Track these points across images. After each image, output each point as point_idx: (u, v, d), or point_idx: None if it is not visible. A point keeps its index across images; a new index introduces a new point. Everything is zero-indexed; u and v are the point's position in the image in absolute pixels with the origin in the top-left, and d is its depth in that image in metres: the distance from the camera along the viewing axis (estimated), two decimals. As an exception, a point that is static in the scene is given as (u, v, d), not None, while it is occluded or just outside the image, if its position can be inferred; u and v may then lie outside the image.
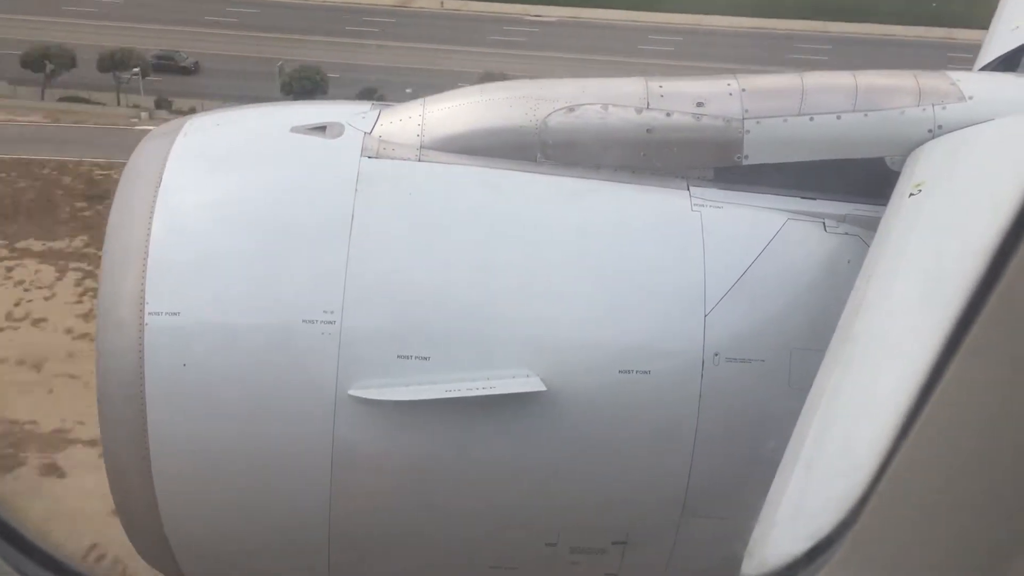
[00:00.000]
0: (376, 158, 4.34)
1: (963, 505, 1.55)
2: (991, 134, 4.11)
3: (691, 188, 4.35)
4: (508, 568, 4.49)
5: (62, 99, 52.39)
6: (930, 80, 4.43)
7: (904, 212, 3.88)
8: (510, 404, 4.00)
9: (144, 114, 49.97)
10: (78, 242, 36.94)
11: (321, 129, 4.45)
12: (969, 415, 1.54)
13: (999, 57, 5.81)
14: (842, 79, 4.50)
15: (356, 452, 4.06)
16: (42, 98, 52.63)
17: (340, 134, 4.42)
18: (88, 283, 33.18)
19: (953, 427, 1.57)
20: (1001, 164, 3.84)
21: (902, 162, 4.24)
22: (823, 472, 2.90)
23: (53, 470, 25.75)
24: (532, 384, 3.98)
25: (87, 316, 30.87)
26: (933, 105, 4.28)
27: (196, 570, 4.50)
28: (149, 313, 4.00)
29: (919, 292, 3.32)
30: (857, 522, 1.74)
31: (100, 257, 4.31)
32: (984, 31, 6.63)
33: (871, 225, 4.04)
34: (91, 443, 23.82)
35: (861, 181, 4.31)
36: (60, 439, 26.52)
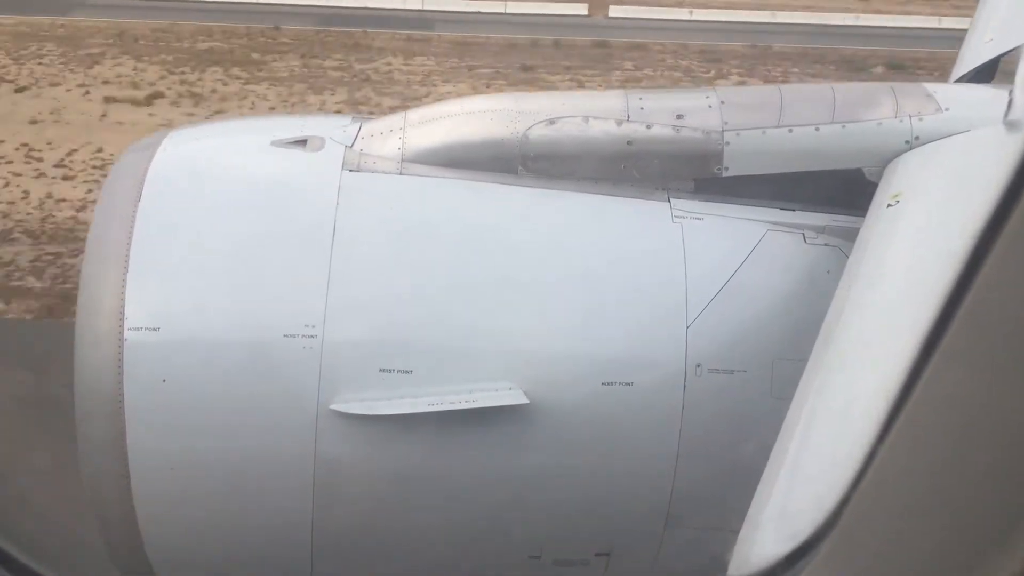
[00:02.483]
0: (357, 171, 4.33)
1: (940, 506, 1.56)
2: (967, 145, 4.16)
3: (672, 200, 4.37)
4: None
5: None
6: (907, 92, 4.48)
7: (882, 223, 3.91)
8: (493, 417, 3.99)
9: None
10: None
11: (302, 143, 4.45)
12: (944, 418, 1.56)
13: (974, 69, 5.88)
14: (820, 91, 4.55)
15: (338, 466, 4.04)
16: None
17: (321, 147, 4.42)
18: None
19: (928, 430, 1.59)
20: (976, 175, 3.89)
21: (880, 173, 4.28)
22: (806, 475, 2.92)
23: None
24: (515, 397, 3.98)
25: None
26: (910, 117, 4.33)
27: None
28: (129, 328, 3.97)
29: (896, 301, 3.35)
30: (838, 524, 1.76)
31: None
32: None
33: (850, 236, 4.07)
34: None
35: (840, 192, 4.35)
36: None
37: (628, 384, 4.04)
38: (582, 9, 37.12)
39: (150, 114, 25.79)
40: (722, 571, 2.78)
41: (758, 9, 37.32)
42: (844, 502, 1.75)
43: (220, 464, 4.08)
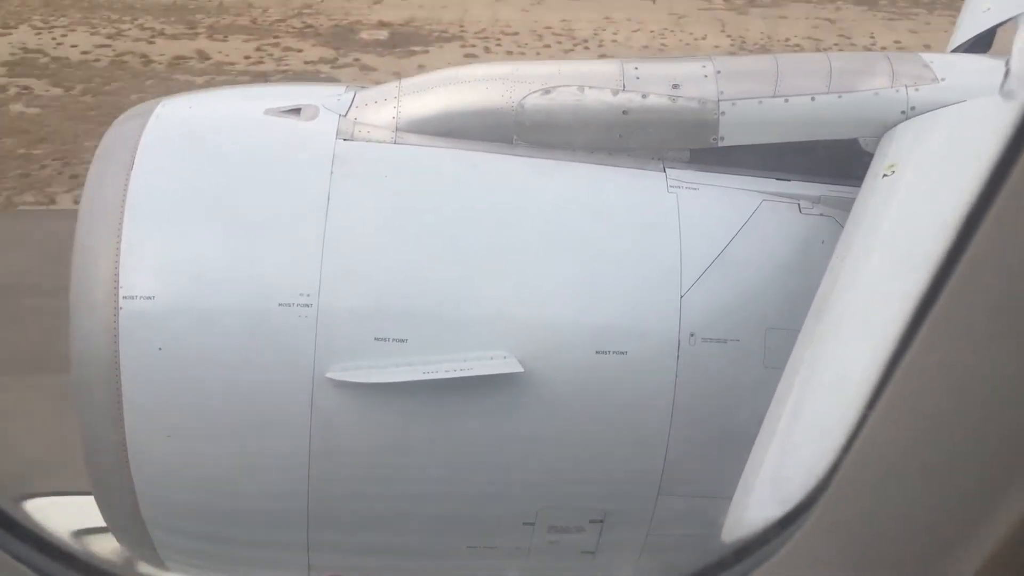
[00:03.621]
0: (351, 140, 4.32)
1: (929, 471, 1.59)
2: (963, 115, 4.16)
3: (667, 169, 4.37)
4: (486, 547, 4.52)
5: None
6: (903, 62, 4.47)
7: (877, 193, 3.92)
8: (488, 385, 4.01)
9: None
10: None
11: (296, 111, 4.43)
12: (934, 385, 1.58)
13: (971, 39, 5.86)
14: (816, 61, 4.54)
15: (334, 434, 4.07)
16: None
17: (315, 116, 4.41)
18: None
19: (918, 397, 1.61)
20: (971, 145, 3.89)
21: (875, 143, 4.28)
22: (797, 441, 2.95)
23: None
24: (510, 365, 4.00)
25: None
26: (906, 87, 4.32)
27: (174, 553, 4.50)
28: (123, 297, 3.98)
29: (889, 271, 3.37)
30: (828, 488, 1.79)
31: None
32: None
33: (845, 206, 4.08)
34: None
35: (835, 162, 4.35)
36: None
37: (622, 353, 4.06)
38: None
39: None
40: (715, 536, 2.82)
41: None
42: (834, 467, 1.78)
43: (215, 431, 4.11)
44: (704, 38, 22.59)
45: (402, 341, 4.00)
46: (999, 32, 5.70)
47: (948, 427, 1.55)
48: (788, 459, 2.90)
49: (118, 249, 4.01)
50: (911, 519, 1.62)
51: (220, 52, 21.74)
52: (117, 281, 3.98)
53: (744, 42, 22.36)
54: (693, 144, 4.39)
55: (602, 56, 20.94)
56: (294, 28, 23.26)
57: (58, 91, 19.64)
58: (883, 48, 21.07)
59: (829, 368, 3.21)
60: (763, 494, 2.84)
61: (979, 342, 1.51)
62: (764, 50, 21.70)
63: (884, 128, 4.28)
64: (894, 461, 1.64)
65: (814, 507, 1.83)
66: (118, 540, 4.46)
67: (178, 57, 21.37)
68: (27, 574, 2.27)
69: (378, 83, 4.82)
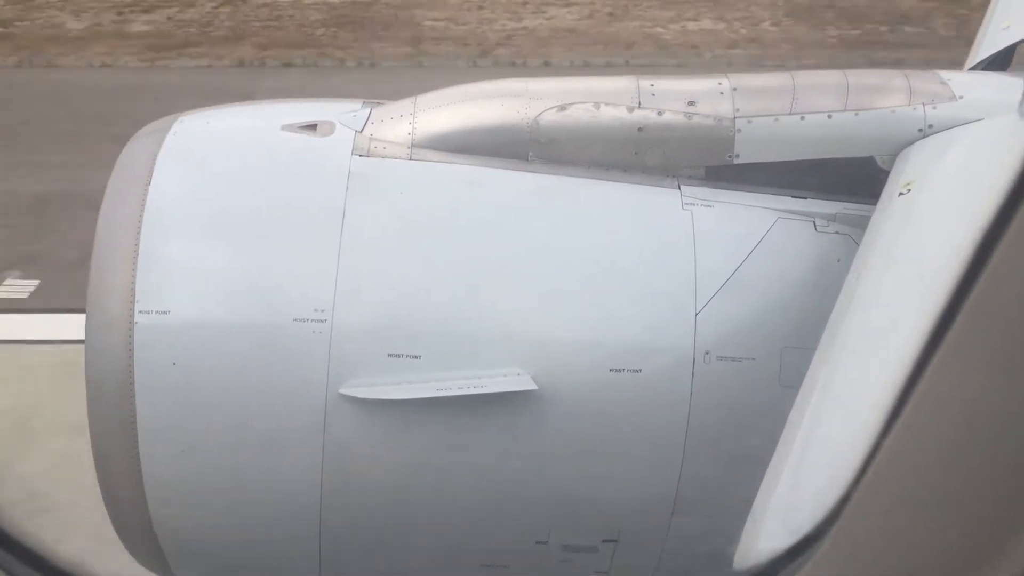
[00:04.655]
0: (367, 156, 4.33)
1: (943, 502, 1.56)
2: (980, 134, 4.13)
3: (682, 187, 4.36)
4: (499, 566, 4.49)
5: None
6: (921, 79, 4.45)
7: (893, 211, 3.89)
8: (501, 403, 4.00)
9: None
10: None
11: (312, 127, 4.45)
12: (948, 412, 1.55)
13: (989, 56, 5.83)
14: (833, 78, 4.52)
15: (347, 451, 4.06)
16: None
17: (331, 132, 4.42)
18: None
19: (933, 425, 1.58)
20: (988, 164, 3.86)
21: (892, 161, 4.25)
22: (808, 469, 2.92)
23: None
24: (523, 383, 3.98)
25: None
26: (924, 104, 4.30)
27: (185, 568, 4.50)
28: (139, 311, 3.99)
29: (905, 291, 3.34)
30: (839, 518, 1.76)
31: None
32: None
33: (861, 224, 4.05)
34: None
35: (851, 180, 4.33)
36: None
37: (636, 371, 4.04)
38: None
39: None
40: (727, 564, 2.79)
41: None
42: (845, 497, 1.75)
43: (228, 446, 4.11)
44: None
45: (415, 358, 3.99)
46: (1018, 50, 5.67)
47: (965, 456, 1.52)
48: (799, 487, 2.86)
49: (135, 264, 4.03)
50: (926, 548, 1.60)
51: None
52: (133, 295, 4.00)
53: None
54: (708, 161, 4.37)
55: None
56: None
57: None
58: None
59: (842, 392, 3.18)
60: (773, 523, 2.81)
61: (997, 365, 1.48)
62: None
63: (901, 146, 4.26)
64: (908, 491, 1.62)
65: (826, 536, 1.80)
66: (130, 553, 4.47)
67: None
68: None
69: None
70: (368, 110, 4.59)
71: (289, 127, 4.44)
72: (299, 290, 4.02)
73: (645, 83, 4.49)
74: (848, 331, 3.43)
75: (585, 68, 19.64)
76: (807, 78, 4.54)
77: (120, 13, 22.72)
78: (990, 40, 5.97)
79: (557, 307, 4.11)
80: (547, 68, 19.94)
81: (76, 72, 19.77)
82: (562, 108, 4.40)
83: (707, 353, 4.05)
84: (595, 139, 4.38)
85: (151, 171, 4.22)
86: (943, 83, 4.39)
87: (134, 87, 18.18)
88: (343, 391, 3.96)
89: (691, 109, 4.37)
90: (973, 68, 5.95)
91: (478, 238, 4.20)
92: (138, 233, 4.07)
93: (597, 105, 4.40)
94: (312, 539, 4.21)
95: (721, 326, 4.08)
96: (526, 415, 4.03)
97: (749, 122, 4.33)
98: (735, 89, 4.42)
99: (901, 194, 3.93)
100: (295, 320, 3.98)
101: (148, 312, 4.00)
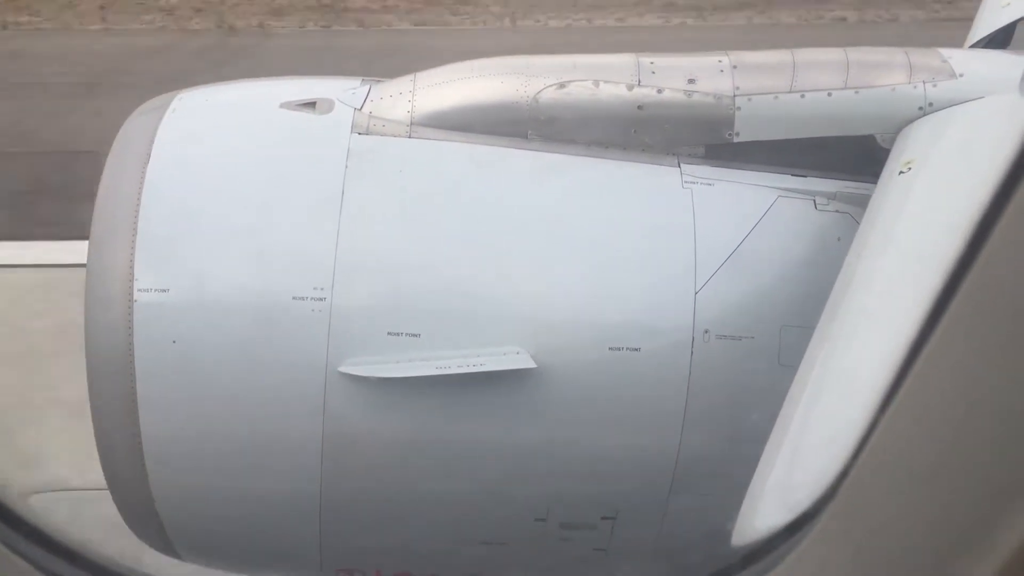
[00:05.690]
0: (366, 134, 4.32)
1: (940, 479, 1.57)
2: (981, 112, 4.12)
3: (682, 165, 4.35)
4: (499, 544, 4.52)
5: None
6: (921, 57, 4.43)
7: (893, 190, 3.89)
8: (500, 381, 4.01)
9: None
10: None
11: (311, 105, 4.43)
12: (946, 390, 1.55)
13: (990, 34, 5.81)
14: (833, 55, 4.50)
15: (346, 429, 4.08)
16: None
17: (330, 110, 4.41)
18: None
19: (931, 402, 1.59)
20: (988, 142, 3.85)
21: (892, 139, 4.24)
22: (807, 446, 2.93)
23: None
24: (523, 361, 3.99)
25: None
26: (924, 83, 4.28)
27: (187, 545, 4.53)
28: (138, 290, 3.99)
29: (904, 270, 3.34)
30: (835, 496, 1.77)
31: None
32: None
33: (861, 203, 4.05)
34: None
35: (851, 158, 4.32)
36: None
37: (635, 350, 4.04)
38: None
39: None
40: (725, 541, 2.81)
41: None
42: (843, 474, 1.76)
43: (229, 424, 4.13)
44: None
45: (415, 336, 4.00)
46: (1018, 27, 5.65)
47: (963, 432, 1.52)
48: (797, 464, 2.88)
49: (134, 242, 4.03)
50: (924, 527, 1.60)
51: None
52: (132, 274, 4.00)
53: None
54: (708, 140, 4.37)
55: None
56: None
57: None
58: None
59: (841, 370, 3.19)
60: (771, 500, 2.82)
61: (996, 344, 1.49)
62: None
63: (901, 124, 4.25)
64: (907, 466, 1.62)
65: (824, 513, 1.81)
66: (131, 529, 4.50)
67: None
68: (31, 571, 2.28)
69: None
70: (367, 87, 4.57)
71: (288, 105, 4.42)
72: (298, 268, 4.02)
73: (645, 60, 4.47)
74: (847, 310, 3.43)
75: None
76: (807, 55, 4.52)
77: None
78: (990, 17, 5.95)
79: (556, 286, 4.11)
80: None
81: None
82: (562, 86, 4.39)
83: (706, 332, 4.06)
84: (595, 117, 4.37)
85: (149, 149, 4.21)
86: (943, 61, 4.38)
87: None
88: (342, 369, 3.97)
89: (691, 87, 4.36)
90: (973, 46, 5.92)
91: (477, 216, 4.20)
92: (137, 211, 4.07)
93: (596, 83, 4.39)
94: (312, 516, 4.24)
95: (721, 305, 4.08)
96: (525, 394, 4.05)
97: (749, 100, 4.32)
98: (735, 67, 4.40)
99: (901, 172, 3.93)
100: (294, 298, 3.98)
101: (147, 290, 4.00)
